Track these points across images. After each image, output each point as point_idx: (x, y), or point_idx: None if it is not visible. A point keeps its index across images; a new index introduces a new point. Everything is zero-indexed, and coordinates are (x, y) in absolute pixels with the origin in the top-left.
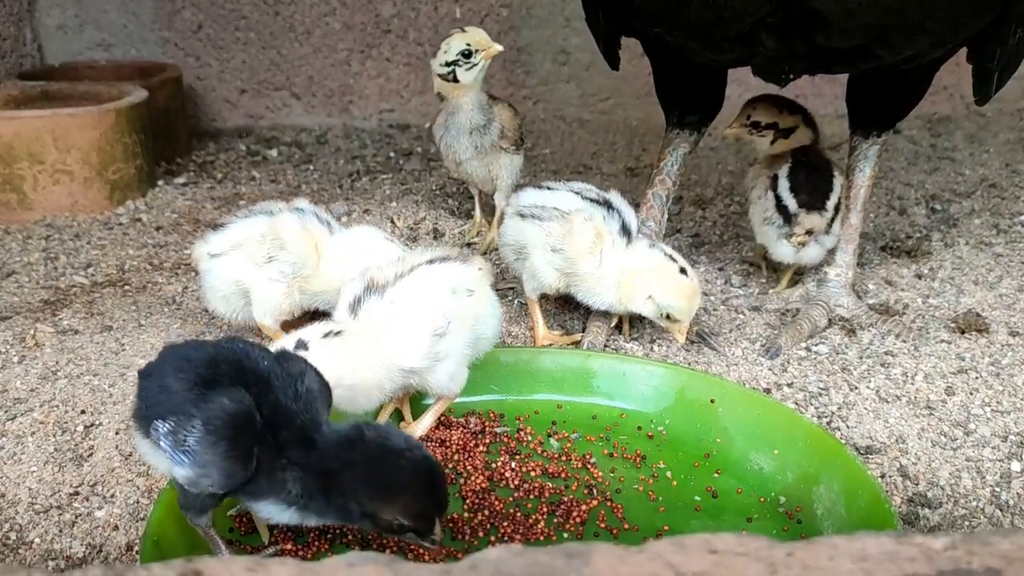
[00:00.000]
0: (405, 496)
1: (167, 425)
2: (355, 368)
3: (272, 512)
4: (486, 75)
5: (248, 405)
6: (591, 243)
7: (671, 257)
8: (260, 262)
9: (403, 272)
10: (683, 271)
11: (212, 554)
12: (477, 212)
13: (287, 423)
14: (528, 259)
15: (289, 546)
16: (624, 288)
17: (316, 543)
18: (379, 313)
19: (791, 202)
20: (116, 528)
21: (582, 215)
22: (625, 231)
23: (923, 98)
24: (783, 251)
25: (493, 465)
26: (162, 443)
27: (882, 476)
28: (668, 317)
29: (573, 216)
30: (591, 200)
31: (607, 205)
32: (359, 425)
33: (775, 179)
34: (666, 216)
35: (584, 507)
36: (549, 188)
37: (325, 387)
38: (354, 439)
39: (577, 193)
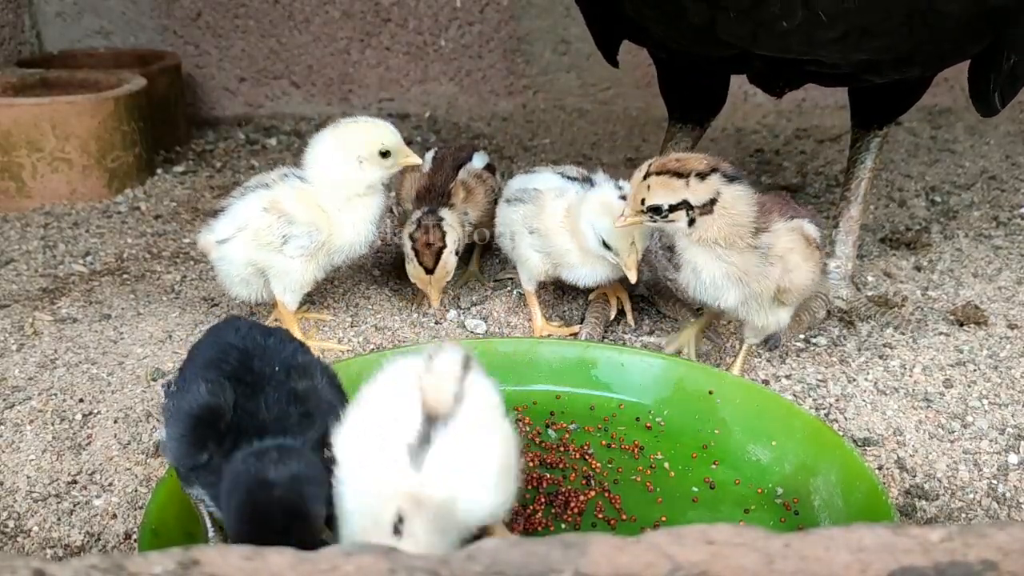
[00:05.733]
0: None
1: (173, 388)
2: None
3: (211, 504)
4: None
5: (221, 403)
6: (561, 218)
7: (618, 186)
8: (277, 245)
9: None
10: (624, 198)
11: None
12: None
13: (252, 433)
14: (516, 247)
15: None
16: (576, 232)
17: None
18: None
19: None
20: (114, 517)
21: (553, 192)
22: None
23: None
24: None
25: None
26: (165, 401)
27: (879, 468)
28: (607, 247)
29: (544, 193)
30: (570, 178)
31: (587, 182)
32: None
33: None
34: None
35: (582, 498)
36: (533, 172)
37: (331, 411)
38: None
39: (559, 173)
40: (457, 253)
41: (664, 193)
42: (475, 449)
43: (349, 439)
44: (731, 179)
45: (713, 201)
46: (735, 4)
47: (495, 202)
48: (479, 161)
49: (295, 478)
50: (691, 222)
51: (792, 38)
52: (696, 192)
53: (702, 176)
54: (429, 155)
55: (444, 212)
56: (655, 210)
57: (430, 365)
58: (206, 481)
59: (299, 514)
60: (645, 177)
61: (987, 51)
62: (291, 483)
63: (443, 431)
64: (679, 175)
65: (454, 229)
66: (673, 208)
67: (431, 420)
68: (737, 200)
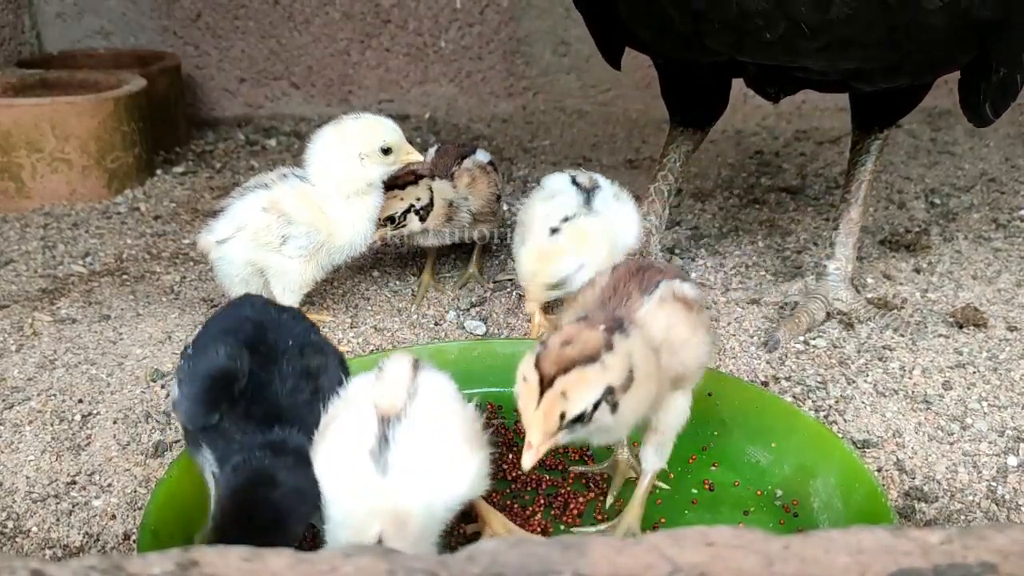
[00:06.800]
0: (220, 513)
1: (189, 351)
2: None
3: (212, 468)
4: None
5: (237, 367)
6: (537, 219)
7: (554, 216)
8: (276, 245)
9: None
10: (554, 231)
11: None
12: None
13: (263, 402)
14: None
15: None
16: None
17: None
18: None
19: None
20: (114, 517)
21: (545, 192)
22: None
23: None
24: None
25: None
26: (181, 363)
27: (879, 470)
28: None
29: (541, 189)
30: (576, 183)
31: (590, 193)
32: (283, 451)
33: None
34: (667, 211)
35: (581, 499)
36: (557, 172)
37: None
38: (267, 450)
39: (571, 176)
40: (421, 218)
41: (585, 392)
42: (434, 434)
43: (323, 459)
44: (622, 329)
45: (631, 371)
46: (719, 16)
47: (497, 198)
48: (483, 156)
49: (295, 491)
50: (614, 407)
51: (776, 47)
52: (614, 370)
53: (610, 348)
54: (432, 150)
55: (440, 182)
56: (579, 419)
57: (380, 375)
58: (213, 443)
59: (280, 522)
60: (549, 386)
61: (977, 62)
62: (290, 493)
63: (399, 428)
64: (591, 360)
65: (433, 194)
66: (596, 406)
67: (385, 422)
68: (641, 349)
